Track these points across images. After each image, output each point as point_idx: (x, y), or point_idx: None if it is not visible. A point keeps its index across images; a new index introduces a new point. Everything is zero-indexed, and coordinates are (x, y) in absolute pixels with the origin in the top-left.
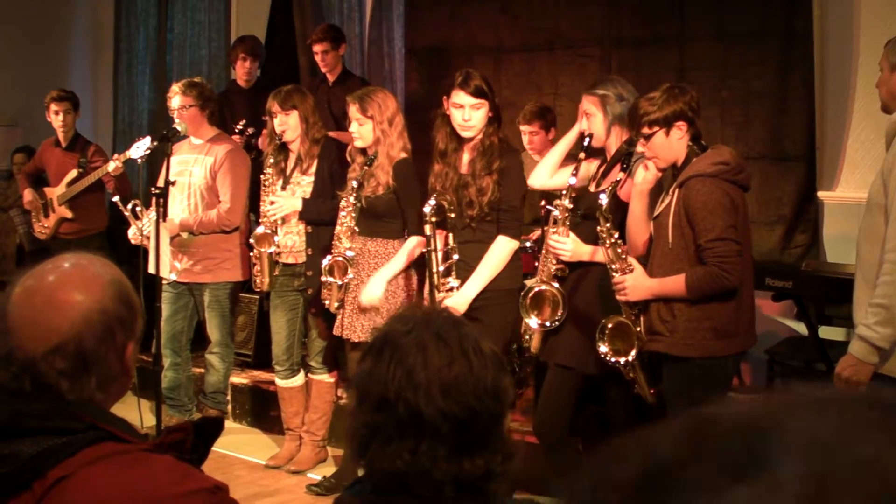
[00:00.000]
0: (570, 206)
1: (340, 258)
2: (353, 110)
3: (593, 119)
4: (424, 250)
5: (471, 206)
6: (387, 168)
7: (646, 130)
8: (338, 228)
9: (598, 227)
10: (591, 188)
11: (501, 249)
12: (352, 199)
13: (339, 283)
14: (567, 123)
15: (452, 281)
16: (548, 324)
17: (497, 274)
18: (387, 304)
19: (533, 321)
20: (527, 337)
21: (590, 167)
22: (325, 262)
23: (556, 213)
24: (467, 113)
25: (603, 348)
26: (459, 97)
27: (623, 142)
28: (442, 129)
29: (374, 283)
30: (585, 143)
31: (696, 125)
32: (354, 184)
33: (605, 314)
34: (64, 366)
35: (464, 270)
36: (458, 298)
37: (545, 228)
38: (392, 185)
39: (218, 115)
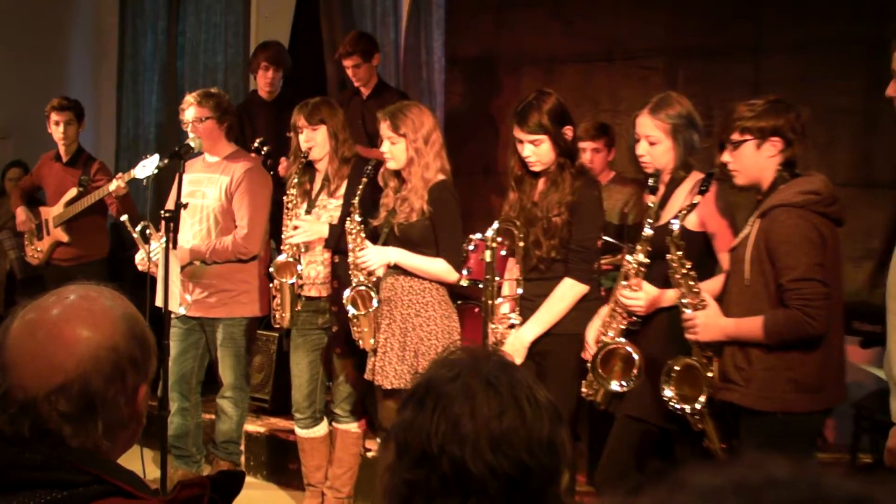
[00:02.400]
0: (647, 260)
1: (363, 287)
2: (384, 128)
3: (657, 147)
4: (483, 281)
5: (538, 245)
6: (421, 192)
7: (736, 137)
8: (350, 256)
9: (669, 256)
10: (651, 228)
11: (566, 294)
12: (357, 219)
13: (363, 312)
14: (626, 143)
15: (513, 317)
16: (624, 384)
17: (561, 318)
18: (424, 345)
19: (614, 385)
20: (590, 392)
21: (646, 201)
22: (346, 293)
23: (628, 267)
24: (527, 149)
25: (668, 392)
26: (517, 132)
27: (675, 167)
28: (515, 156)
29: (381, 254)
30: (651, 183)
31: (793, 149)
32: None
33: (675, 357)
34: (68, 409)
35: (526, 309)
36: (514, 341)
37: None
38: (428, 211)
39: (236, 129)
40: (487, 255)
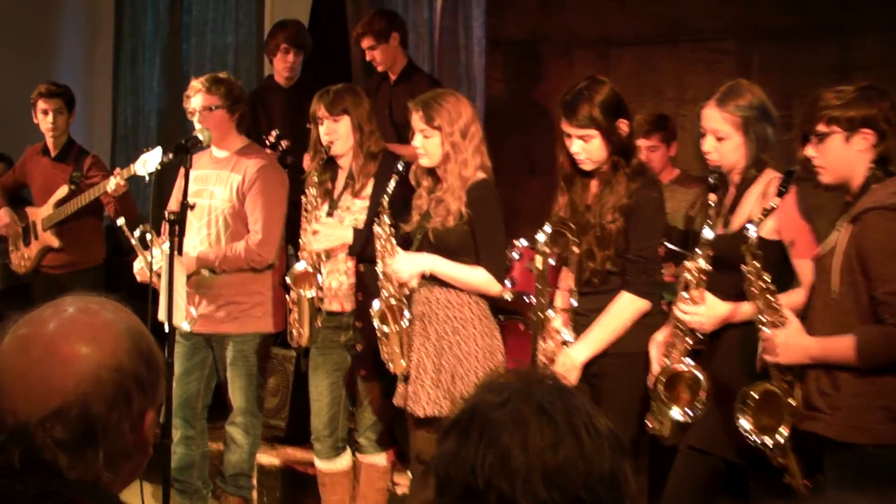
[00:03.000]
0: (709, 267)
1: (393, 300)
2: (417, 119)
3: (726, 143)
4: (530, 293)
5: (591, 257)
6: (459, 192)
7: (821, 128)
8: (379, 265)
9: (744, 267)
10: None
11: (623, 310)
12: (386, 221)
13: (393, 329)
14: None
15: (566, 333)
16: (690, 413)
17: (618, 336)
18: (463, 366)
19: (675, 413)
20: (654, 426)
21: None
22: (375, 306)
23: (687, 276)
24: (576, 145)
25: (745, 423)
26: (564, 126)
27: (746, 165)
28: (564, 152)
29: (413, 262)
30: (712, 181)
31: (888, 143)
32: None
33: (749, 382)
34: (64, 436)
35: (580, 325)
36: (565, 360)
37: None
38: (466, 214)
39: (248, 120)
40: (538, 263)
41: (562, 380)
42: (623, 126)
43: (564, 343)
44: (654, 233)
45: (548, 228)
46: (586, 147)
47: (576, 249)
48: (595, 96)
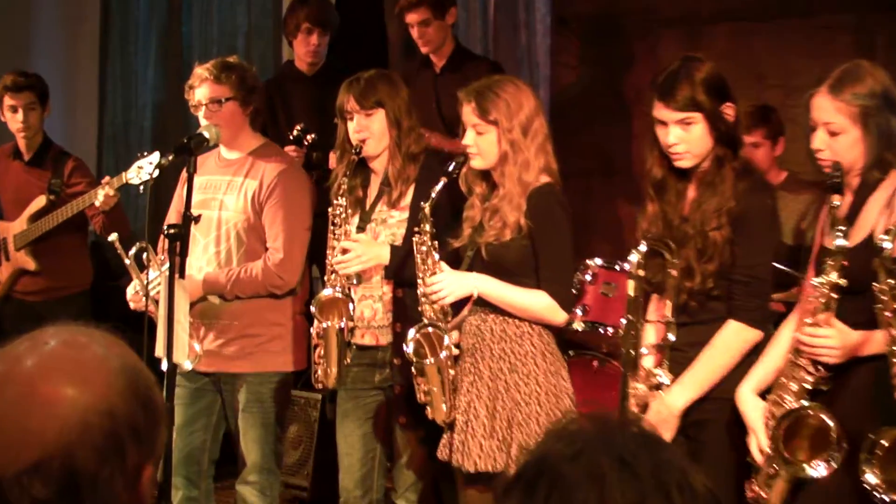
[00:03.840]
0: (843, 282)
1: (432, 327)
2: (468, 112)
3: (841, 138)
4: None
5: (689, 274)
6: (518, 200)
7: None
8: (420, 286)
9: (877, 287)
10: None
11: (730, 342)
12: (427, 229)
13: (432, 363)
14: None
15: (662, 375)
16: (822, 467)
17: (725, 375)
18: (522, 412)
19: (813, 470)
20: (758, 495)
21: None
22: (410, 335)
23: (814, 295)
24: (673, 134)
25: (871, 478)
26: (659, 110)
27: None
28: (655, 150)
29: (460, 281)
30: (835, 179)
31: None
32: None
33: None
34: (45, 493)
35: (678, 363)
36: (661, 408)
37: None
38: (526, 227)
39: (265, 115)
40: (631, 289)
41: (647, 428)
42: (729, 111)
43: (659, 386)
44: (767, 247)
45: (643, 247)
46: (686, 136)
47: (674, 273)
48: (696, 73)
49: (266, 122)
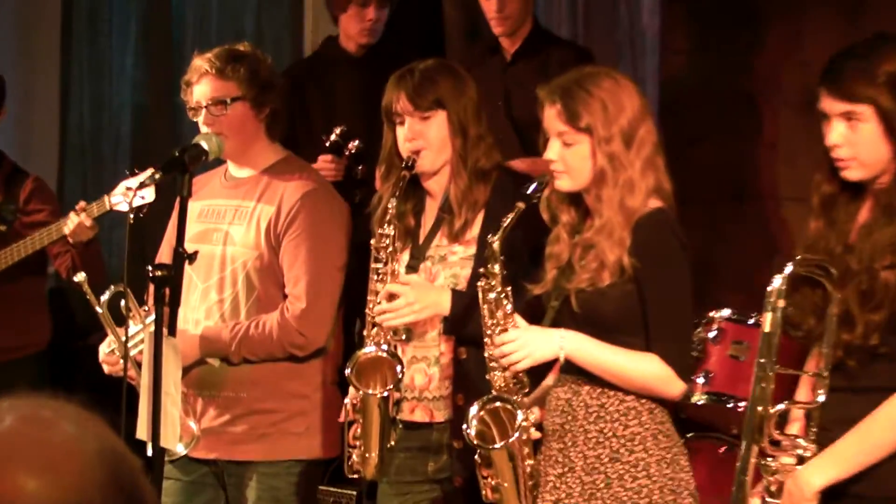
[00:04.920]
0: None
1: (504, 403)
2: (552, 117)
3: None
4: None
5: (848, 323)
6: (619, 232)
7: None
8: (487, 346)
9: None
10: None
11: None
12: (496, 271)
13: (496, 446)
14: None
15: (803, 443)
16: None
17: (885, 457)
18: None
19: None
20: None
21: None
22: (473, 411)
23: None
24: (835, 132)
25: None
26: (825, 101)
27: None
28: (825, 161)
29: (542, 340)
30: None
31: None
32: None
33: None
34: None
35: (823, 437)
36: (793, 487)
37: None
38: (631, 268)
39: (285, 119)
40: (767, 324)
41: None
42: None
43: (799, 460)
44: None
45: (790, 269)
46: (852, 137)
47: (834, 311)
48: (877, 58)
49: (294, 120)
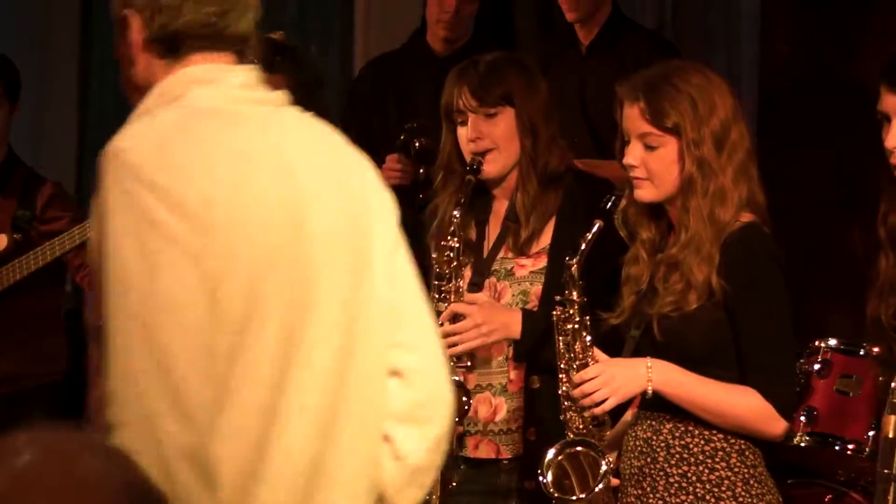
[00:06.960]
0: None
1: (584, 447)
2: (634, 116)
3: None
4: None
5: None
6: (707, 248)
7: None
8: (562, 382)
9: None
10: None
11: None
12: (575, 296)
13: (578, 498)
14: None
15: None
16: None
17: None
18: None
19: None
20: None
21: None
22: (549, 456)
23: None
24: (894, 134)
25: None
26: (887, 100)
27: None
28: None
29: (627, 374)
30: None
31: None
32: None
33: None
34: None
35: None
36: None
37: None
38: (720, 289)
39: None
40: (890, 428)
41: None
42: None
43: None
44: None
45: None
46: None
47: None
48: None
49: (371, 118)
